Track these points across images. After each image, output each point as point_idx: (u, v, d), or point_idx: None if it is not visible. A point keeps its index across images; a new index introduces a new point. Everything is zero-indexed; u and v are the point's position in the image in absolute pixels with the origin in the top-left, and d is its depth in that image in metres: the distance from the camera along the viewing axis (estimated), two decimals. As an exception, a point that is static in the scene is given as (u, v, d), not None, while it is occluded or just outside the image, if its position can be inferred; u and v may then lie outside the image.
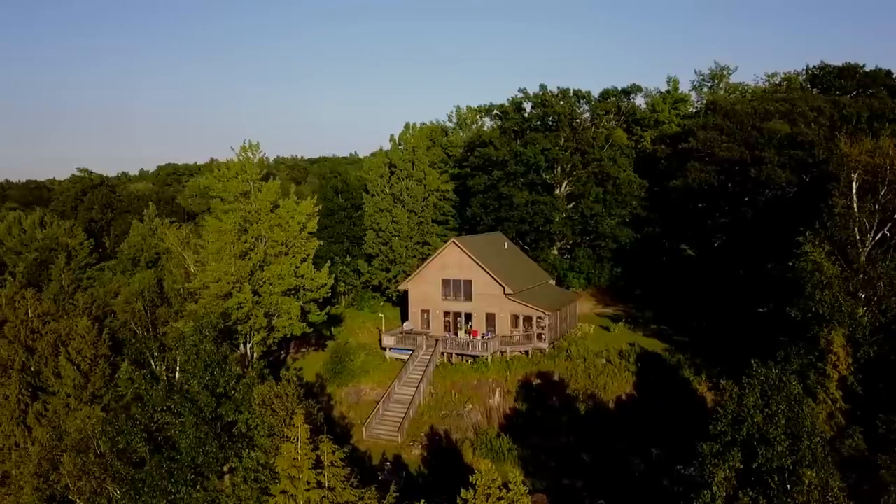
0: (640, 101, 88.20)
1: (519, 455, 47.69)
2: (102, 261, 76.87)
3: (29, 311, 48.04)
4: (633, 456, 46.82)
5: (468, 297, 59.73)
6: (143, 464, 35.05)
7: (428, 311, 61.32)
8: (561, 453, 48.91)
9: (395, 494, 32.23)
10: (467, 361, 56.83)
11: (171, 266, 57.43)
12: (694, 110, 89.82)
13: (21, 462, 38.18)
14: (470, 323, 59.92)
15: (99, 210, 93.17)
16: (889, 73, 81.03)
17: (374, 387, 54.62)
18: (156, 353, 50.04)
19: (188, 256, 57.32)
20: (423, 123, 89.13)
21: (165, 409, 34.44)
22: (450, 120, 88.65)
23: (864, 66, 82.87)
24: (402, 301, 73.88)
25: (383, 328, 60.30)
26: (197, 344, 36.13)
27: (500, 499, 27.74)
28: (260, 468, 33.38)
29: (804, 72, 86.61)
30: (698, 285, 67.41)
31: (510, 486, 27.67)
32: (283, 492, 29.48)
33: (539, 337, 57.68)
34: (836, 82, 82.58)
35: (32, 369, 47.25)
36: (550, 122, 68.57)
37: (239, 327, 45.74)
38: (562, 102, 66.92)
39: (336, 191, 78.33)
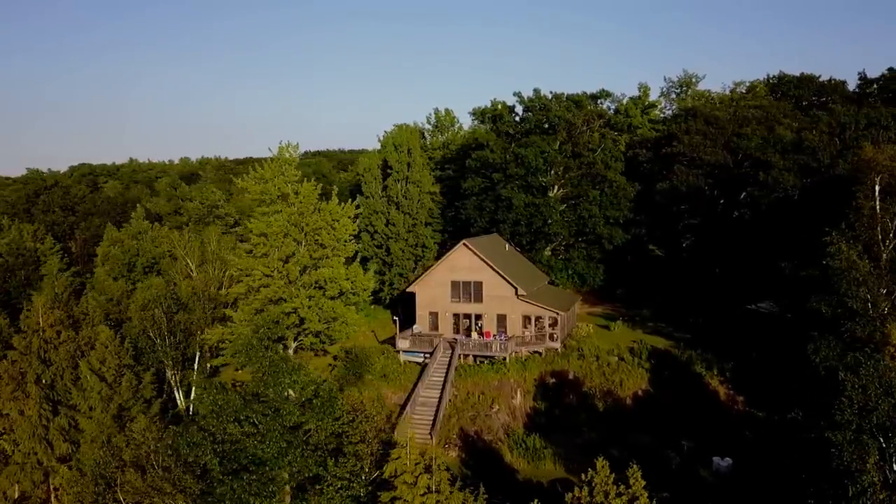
0: (607, 105, 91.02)
1: (553, 453, 48.43)
2: (72, 266, 72.69)
3: (40, 321, 45.06)
4: (665, 449, 48.31)
5: (478, 299, 60.06)
6: (204, 477, 33.72)
7: (436, 314, 61.26)
8: (589, 450, 49.59)
9: (484, 496, 32.39)
10: (482, 363, 57.10)
11: (174, 271, 55.20)
12: (663, 116, 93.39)
13: (73, 482, 35.80)
14: (479, 324, 60.31)
15: (60, 213, 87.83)
16: (843, 82, 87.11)
17: (396, 390, 54.06)
18: (175, 362, 48.11)
19: (191, 261, 55.27)
20: (396, 125, 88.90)
21: (243, 418, 33.25)
22: (428, 122, 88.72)
23: (819, 76, 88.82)
24: (393, 304, 73.28)
25: (397, 331, 59.81)
26: (265, 350, 35.10)
27: (619, 494, 28.27)
28: (349, 476, 32.80)
29: (765, 80, 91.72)
30: (688, 284, 70.18)
31: (630, 481, 28.21)
32: (396, 498, 29.11)
33: (551, 337, 58.68)
34: (795, 91, 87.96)
35: (44, 382, 44.43)
36: (546, 126, 69.80)
37: (287, 332, 44.46)
38: (557, 106, 68.28)
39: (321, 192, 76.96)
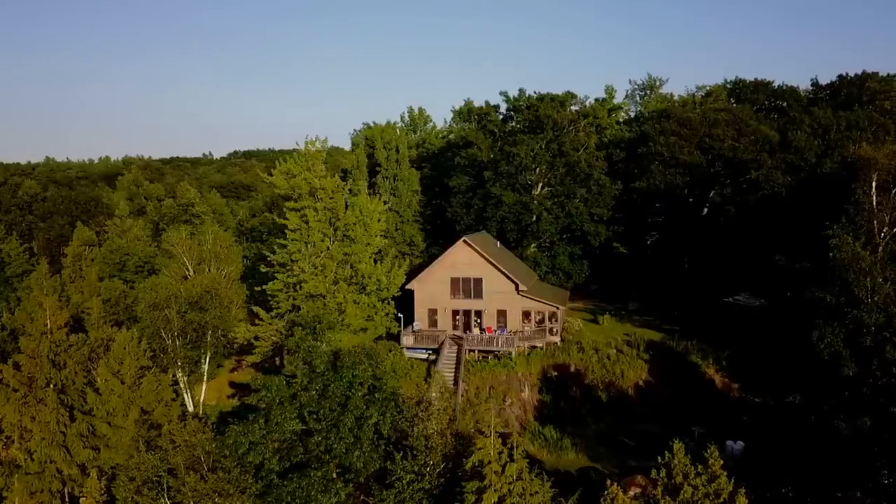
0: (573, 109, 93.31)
1: (572, 443, 49.53)
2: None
3: (48, 322, 42.72)
4: (676, 436, 49.99)
5: (478, 295, 60.61)
6: (258, 475, 33.08)
7: (436, 310, 61.36)
8: (602, 439, 51.31)
9: (549, 482, 33.01)
10: (485, 358, 57.70)
11: (171, 271, 53.43)
12: (627, 117, 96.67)
13: (122, 488, 34.12)
14: (479, 319, 60.88)
15: (17, 212, 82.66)
16: (795, 88, 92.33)
17: (407, 387, 53.88)
18: (187, 363, 46.65)
19: (188, 260, 53.69)
20: (367, 124, 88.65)
21: (307, 414, 32.78)
22: (401, 120, 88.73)
23: (772, 81, 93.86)
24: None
25: (401, 328, 59.55)
26: (321, 346, 34.66)
27: (698, 474, 29.43)
28: (418, 469, 32.80)
29: (723, 84, 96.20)
30: (665, 278, 72.89)
31: (710, 462, 29.37)
32: (481, 488, 29.28)
33: (551, 331, 59.89)
34: (751, 96, 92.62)
35: (54, 386, 42.23)
36: (530, 125, 70.96)
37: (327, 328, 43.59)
38: (544, 106, 69.65)
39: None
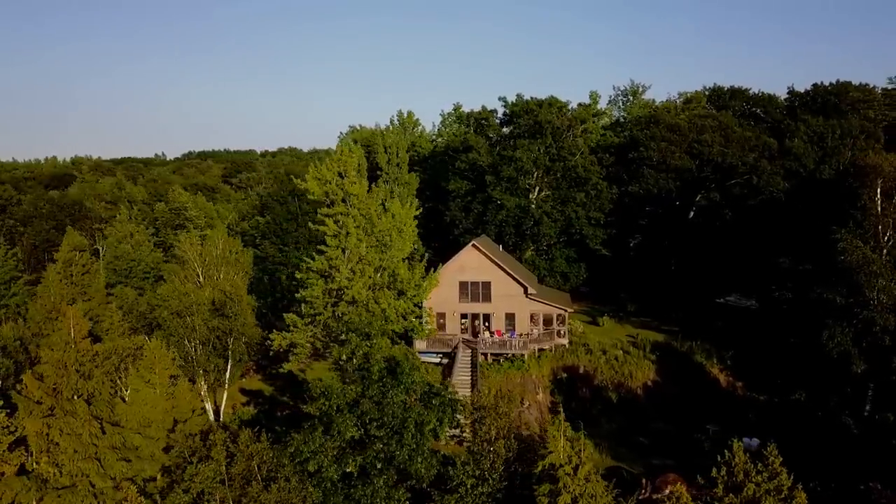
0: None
1: (595, 444, 50.44)
2: (24, 273, 66.52)
3: (72, 332, 41.51)
4: (692, 434, 51.59)
5: (487, 299, 61.11)
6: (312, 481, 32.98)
7: (444, 314, 61.65)
8: (619, 438, 52.43)
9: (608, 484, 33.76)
10: (496, 361, 58.26)
11: (182, 277, 52.48)
12: (608, 122, 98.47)
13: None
14: (487, 323, 61.41)
15: (-2, 216, 79.58)
16: (773, 96, 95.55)
17: (424, 391, 54.07)
18: (214, 371, 45.99)
19: (199, 266, 52.83)
20: (353, 127, 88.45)
21: (368, 421, 32.78)
22: (391, 123, 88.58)
23: (749, 89, 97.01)
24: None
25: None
26: (377, 351, 34.70)
27: (759, 472, 30.56)
28: (480, 472, 33.14)
29: (702, 90, 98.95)
30: (657, 280, 74.60)
31: (770, 459, 30.53)
32: (554, 491, 29.80)
33: (559, 333, 60.83)
34: (729, 102, 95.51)
35: (79, 397, 41.11)
36: (533, 129, 71.71)
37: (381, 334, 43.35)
38: (543, 110, 70.55)
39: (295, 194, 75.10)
